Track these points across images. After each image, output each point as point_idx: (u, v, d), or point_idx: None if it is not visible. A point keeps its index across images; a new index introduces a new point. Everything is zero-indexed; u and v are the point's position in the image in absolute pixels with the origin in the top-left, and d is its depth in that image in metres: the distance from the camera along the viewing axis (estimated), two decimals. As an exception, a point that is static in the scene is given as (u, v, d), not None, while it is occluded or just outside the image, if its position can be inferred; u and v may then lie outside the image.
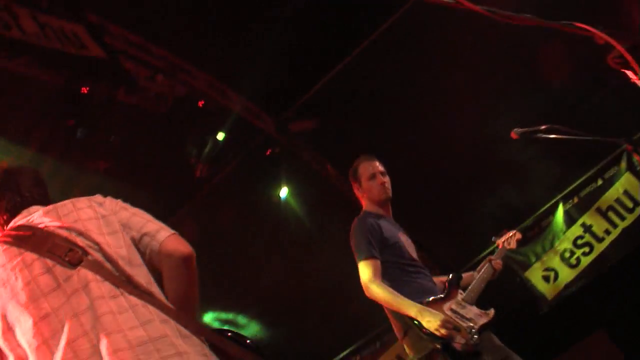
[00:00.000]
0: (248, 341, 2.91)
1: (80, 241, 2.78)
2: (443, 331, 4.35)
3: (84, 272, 2.69)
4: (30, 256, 2.75)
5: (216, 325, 9.88)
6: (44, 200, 3.11)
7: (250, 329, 10.20)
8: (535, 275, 9.20)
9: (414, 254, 5.08)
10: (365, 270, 4.71)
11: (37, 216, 2.94)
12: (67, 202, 2.97)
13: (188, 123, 8.47)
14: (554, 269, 9.07)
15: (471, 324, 4.60)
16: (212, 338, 2.73)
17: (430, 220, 9.14)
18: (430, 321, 4.40)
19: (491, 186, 9.27)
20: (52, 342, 2.59)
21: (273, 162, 9.43)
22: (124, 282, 2.70)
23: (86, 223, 2.86)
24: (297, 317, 9.89)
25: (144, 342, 2.56)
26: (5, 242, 2.83)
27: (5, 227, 3.01)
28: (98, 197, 3.05)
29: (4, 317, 2.71)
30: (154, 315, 2.64)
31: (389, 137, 8.60)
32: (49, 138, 7.10)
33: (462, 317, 4.66)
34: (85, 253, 2.73)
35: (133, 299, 2.66)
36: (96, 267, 2.70)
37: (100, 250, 2.78)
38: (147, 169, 8.03)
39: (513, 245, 5.55)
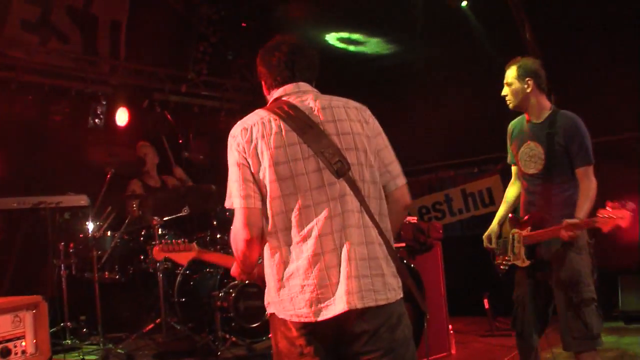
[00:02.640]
0: None
1: (348, 155, 3.12)
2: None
3: (343, 185, 3.09)
4: (307, 150, 3.11)
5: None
6: (311, 83, 3.39)
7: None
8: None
9: None
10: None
11: (310, 102, 3.24)
12: (341, 106, 3.26)
13: None
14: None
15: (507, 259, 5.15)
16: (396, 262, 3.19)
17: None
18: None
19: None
20: (305, 227, 3.06)
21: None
22: (366, 203, 3.12)
23: (356, 137, 3.19)
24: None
25: (364, 259, 3.06)
26: (284, 120, 3.15)
27: (271, 91, 3.36)
28: (366, 113, 3.34)
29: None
30: (376, 238, 3.12)
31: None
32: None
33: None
34: (349, 168, 3.10)
35: (367, 220, 3.11)
36: (352, 183, 3.10)
37: (359, 168, 3.15)
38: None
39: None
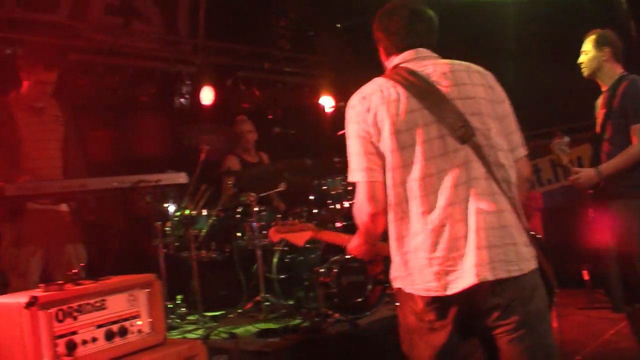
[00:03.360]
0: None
1: (472, 120, 3.03)
2: None
3: (468, 151, 3.00)
4: (429, 117, 3.02)
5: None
6: (431, 48, 3.31)
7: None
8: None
9: None
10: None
11: (430, 68, 3.15)
12: (463, 70, 3.17)
13: None
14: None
15: None
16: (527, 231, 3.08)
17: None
18: None
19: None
20: (430, 197, 2.98)
21: None
22: (494, 169, 3.01)
23: (480, 102, 3.10)
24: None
25: (494, 227, 2.94)
26: (404, 87, 3.07)
27: (390, 57, 3.33)
28: (490, 77, 3.25)
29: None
30: (505, 205, 3.00)
31: None
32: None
33: None
34: (474, 133, 3.01)
35: (495, 187, 3.00)
36: (478, 149, 3.00)
37: (485, 133, 3.05)
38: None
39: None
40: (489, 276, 2.88)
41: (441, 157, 2.99)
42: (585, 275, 8.10)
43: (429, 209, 2.97)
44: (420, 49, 3.25)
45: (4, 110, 5.90)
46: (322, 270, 6.53)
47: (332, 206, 7.18)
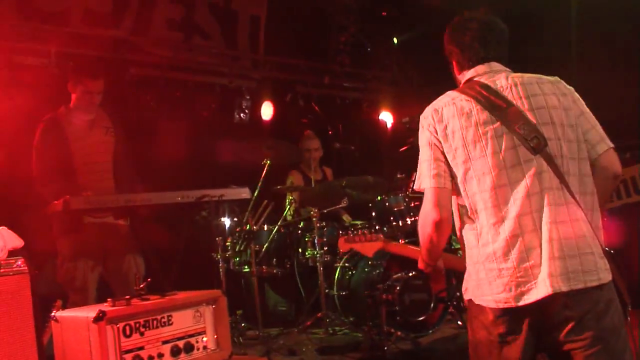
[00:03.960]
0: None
1: (545, 130, 3.02)
2: None
3: (540, 161, 2.97)
4: (501, 128, 3.02)
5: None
6: (502, 60, 3.31)
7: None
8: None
9: None
10: None
11: (502, 81, 3.17)
12: (534, 82, 3.15)
13: None
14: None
15: None
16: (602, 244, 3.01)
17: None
18: None
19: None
20: (502, 207, 2.97)
21: None
22: (565, 180, 2.96)
23: (553, 111, 3.07)
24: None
25: (568, 238, 2.89)
26: (477, 100, 3.10)
27: (463, 72, 3.33)
28: (561, 85, 3.21)
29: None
30: (580, 215, 2.94)
31: None
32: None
33: None
34: (546, 144, 2.99)
35: (569, 197, 2.95)
36: (550, 159, 2.97)
37: (557, 143, 3.02)
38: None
39: None
40: (563, 287, 2.84)
41: (513, 168, 2.98)
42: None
43: (501, 220, 2.96)
44: (493, 63, 3.25)
45: (56, 127, 5.97)
46: (385, 287, 6.44)
47: (395, 223, 7.11)
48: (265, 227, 7.21)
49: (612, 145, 3.13)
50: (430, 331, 6.75)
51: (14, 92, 6.92)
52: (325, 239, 7.14)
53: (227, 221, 7.26)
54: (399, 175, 7.66)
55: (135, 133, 6.46)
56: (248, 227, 6.99)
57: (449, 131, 3.08)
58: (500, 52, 3.30)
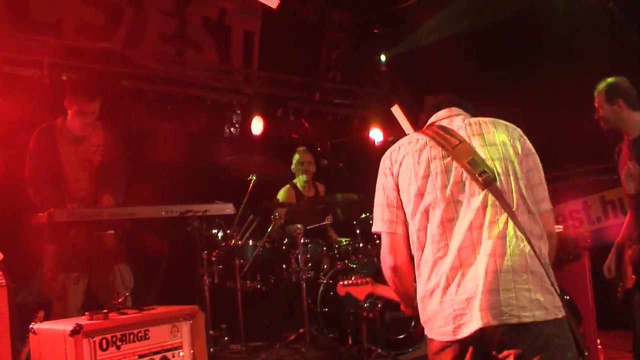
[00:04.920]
0: None
1: (495, 165, 3.06)
2: None
3: (488, 195, 2.99)
4: (451, 163, 3.07)
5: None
6: (463, 106, 3.40)
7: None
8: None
9: None
10: None
11: (459, 122, 3.25)
12: (488, 122, 3.22)
13: None
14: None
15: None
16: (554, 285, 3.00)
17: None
18: None
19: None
20: (447, 241, 2.99)
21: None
22: (514, 214, 2.97)
23: (503, 148, 3.11)
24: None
25: (506, 271, 2.88)
26: (432, 137, 3.17)
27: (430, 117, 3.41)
28: (517, 132, 3.24)
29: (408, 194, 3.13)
30: (523, 251, 2.91)
31: None
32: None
33: None
34: (495, 178, 3.01)
35: (515, 231, 2.94)
36: (498, 194, 2.99)
37: (506, 178, 3.05)
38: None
39: None
40: (492, 321, 2.84)
41: (460, 202, 3.01)
42: (638, 316, 7.91)
43: (445, 253, 2.98)
44: (454, 108, 3.37)
45: (50, 136, 6.03)
46: (367, 305, 6.48)
47: (378, 241, 7.15)
48: (251, 243, 7.24)
49: (551, 207, 3.18)
50: (411, 349, 6.79)
51: (5, 102, 6.97)
52: (309, 256, 7.19)
53: (218, 236, 7.29)
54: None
55: (125, 145, 6.48)
56: (233, 242, 7.02)
57: (403, 168, 3.14)
58: (461, 99, 3.43)
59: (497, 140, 3.12)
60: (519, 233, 2.94)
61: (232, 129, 9.48)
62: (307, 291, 7.02)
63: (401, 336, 6.66)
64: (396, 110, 10.46)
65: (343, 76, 10.78)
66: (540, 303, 2.88)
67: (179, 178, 8.34)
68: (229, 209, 6.23)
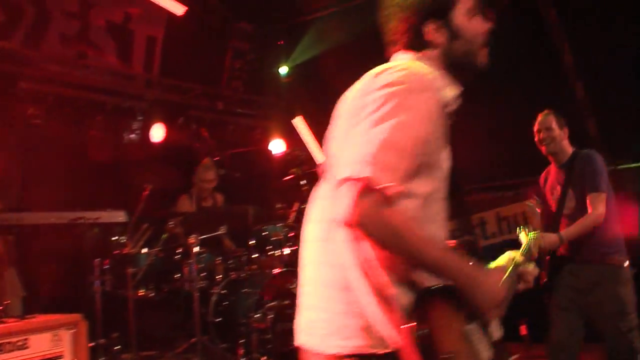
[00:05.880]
0: None
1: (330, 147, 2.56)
2: None
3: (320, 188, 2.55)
4: None
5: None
6: None
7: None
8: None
9: None
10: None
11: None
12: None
13: None
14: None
15: None
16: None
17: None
18: None
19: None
20: None
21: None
22: (325, 210, 2.51)
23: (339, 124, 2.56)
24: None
25: (310, 284, 2.49)
26: None
27: None
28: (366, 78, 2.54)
29: None
30: (323, 258, 2.43)
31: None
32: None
33: None
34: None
35: (322, 232, 2.47)
36: (324, 187, 2.55)
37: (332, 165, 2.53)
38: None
39: None
40: (301, 340, 2.55)
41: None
42: (523, 330, 8.14)
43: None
44: None
45: None
46: (258, 315, 6.51)
47: (272, 252, 7.20)
48: (144, 251, 7.18)
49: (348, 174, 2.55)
50: (301, 360, 6.82)
51: None
52: (202, 265, 7.17)
53: (111, 242, 7.21)
54: (278, 205, 7.76)
55: (21, 149, 6.35)
56: (126, 250, 6.96)
57: None
58: None
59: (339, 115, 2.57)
60: (327, 234, 2.50)
61: (132, 135, 9.37)
62: (201, 301, 7.01)
63: (292, 347, 6.69)
64: (298, 121, 10.50)
65: (246, 86, 10.82)
66: (319, 328, 2.45)
67: (76, 184, 8.20)
68: (120, 216, 6.19)
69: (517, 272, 2.73)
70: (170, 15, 9.36)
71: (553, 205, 5.73)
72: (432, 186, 2.43)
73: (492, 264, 2.68)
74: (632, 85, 8.38)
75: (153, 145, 9.30)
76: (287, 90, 11.16)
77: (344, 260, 2.32)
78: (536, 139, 5.83)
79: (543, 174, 6.01)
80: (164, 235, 7.35)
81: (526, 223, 10.26)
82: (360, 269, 2.27)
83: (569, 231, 5.42)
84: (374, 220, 2.14)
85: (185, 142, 9.88)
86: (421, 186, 2.37)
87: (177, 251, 7.41)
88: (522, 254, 2.91)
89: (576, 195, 5.52)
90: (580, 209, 5.45)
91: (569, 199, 5.58)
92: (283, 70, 11.03)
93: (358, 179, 2.14)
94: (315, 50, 10.11)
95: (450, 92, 2.59)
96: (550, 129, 5.72)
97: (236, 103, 10.67)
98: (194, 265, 7.00)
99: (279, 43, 10.91)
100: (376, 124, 2.22)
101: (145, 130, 9.35)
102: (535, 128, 5.82)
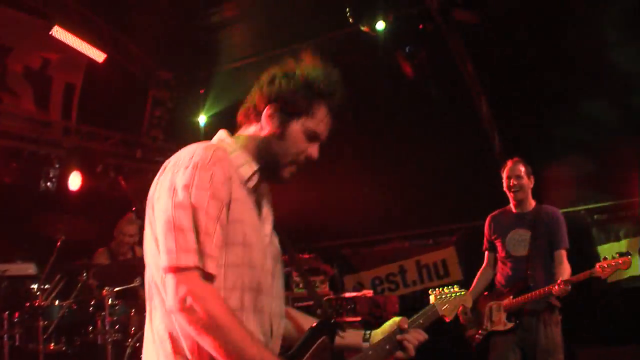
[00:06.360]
0: None
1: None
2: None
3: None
4: None
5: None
6: None
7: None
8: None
9: None
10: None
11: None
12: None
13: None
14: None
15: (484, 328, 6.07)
16: None
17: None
18: None
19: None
20: None
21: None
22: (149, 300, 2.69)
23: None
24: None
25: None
26: None
27: None
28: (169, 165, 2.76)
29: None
30: (150, 337, 2.64)
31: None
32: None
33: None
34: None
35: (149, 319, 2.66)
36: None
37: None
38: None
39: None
40: None
41: None
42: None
43: None
44: None
45: None
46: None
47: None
48: (56, 303, 7.02)
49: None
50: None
51: None
52: (116, 318, 7.03)
53: (21, 294, 7.03)
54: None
55: None
56: (37, 303, 6.80)
57: None
58: None
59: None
60: (149, 320, 2.71)
61: (48, 184, 9.19)
62: (114, 354, 6.87)
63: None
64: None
65: (165, 134, 10.77)
66: None
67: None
68: (30, 269, 6.06)
69: (395, 341, 2.93)
70: (90, 61, 9.31)
71: (506, 247, 6.14)
72: (234, 256, 2.53)
73: (373, 332, 2.98)
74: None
75: (70, 193, 9.16)
76: (207, 139, 11.09)
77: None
78: (505, 186, 6.21)
79: (488, 220, 6.40)
80: (78, 287, 7.20)
81: (446, 273, 10.45)
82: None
83: (566, 275, 5.76)
84: (197, 308, 2.29)
85: (104, 190, 9.75)
86: (222, 257, 2.50)
87: (90, 303, 7.26)
88: (411, 322, 3.01)
89: (534, 244, 6.01)
90: (534, 257, 5.98)
91: (527, 243, 6.05)
92: (202, 119, 11.01)
93: (170, 267, 2.36)
94: (232, 99, 10.12)
95: (248, 169, 2.71)
96: (519, 177, 6.11)
97: (155, 151, 10.60)
98: (107, 318, 6.86)
99: (200, 91, 10.91)
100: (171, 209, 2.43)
101: (62, 178, 9.20)
102: (505, 174, 6.20)
